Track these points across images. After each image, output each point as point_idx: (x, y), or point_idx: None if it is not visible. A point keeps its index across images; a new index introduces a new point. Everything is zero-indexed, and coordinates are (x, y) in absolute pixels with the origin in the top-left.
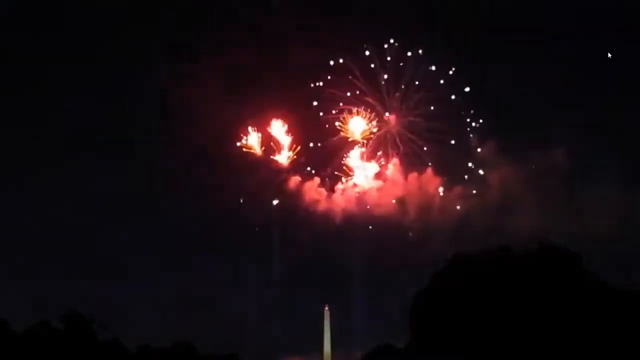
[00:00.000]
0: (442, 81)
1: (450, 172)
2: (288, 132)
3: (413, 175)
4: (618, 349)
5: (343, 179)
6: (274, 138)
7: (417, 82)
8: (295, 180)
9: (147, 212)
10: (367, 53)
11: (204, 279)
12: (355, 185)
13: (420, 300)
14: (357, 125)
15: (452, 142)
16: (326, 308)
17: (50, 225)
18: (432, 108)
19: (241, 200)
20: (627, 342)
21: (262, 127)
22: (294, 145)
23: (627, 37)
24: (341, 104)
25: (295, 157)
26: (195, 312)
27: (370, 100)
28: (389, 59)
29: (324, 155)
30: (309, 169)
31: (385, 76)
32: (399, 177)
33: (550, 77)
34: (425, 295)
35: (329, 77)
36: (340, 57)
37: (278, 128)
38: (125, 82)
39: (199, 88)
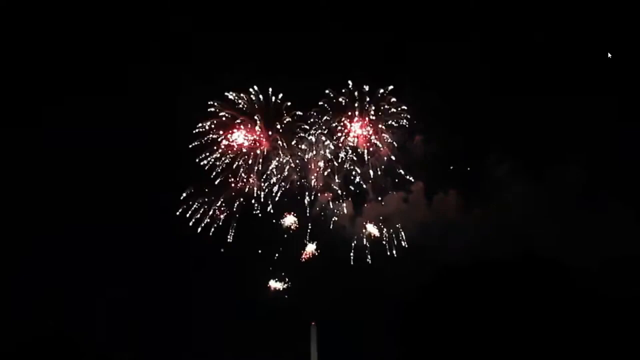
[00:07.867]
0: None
1: (469, 193)
2: None
3: (437, 198)
4: None
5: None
6: None
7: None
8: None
9: None
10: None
11: None
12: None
13: (407, 314)
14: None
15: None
16: (312, 324)
17: None
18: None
19: None
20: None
21: None
22: None
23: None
24: None
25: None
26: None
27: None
28: None
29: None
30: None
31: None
32: (423, 200)
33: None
34: (412, 308)
35: None
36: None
37: None
38: None
39: None
